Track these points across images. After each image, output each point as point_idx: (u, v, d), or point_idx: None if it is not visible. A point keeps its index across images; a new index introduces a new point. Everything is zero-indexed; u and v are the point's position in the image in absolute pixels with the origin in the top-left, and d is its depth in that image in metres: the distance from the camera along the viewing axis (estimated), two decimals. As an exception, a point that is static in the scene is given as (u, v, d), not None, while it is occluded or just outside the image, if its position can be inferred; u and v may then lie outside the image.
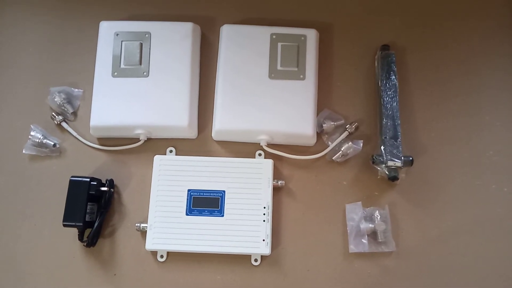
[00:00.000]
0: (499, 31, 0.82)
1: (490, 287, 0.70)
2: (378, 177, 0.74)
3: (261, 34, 0.77)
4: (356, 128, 0.76)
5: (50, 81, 0.80)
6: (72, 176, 0.71)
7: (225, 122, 0.74)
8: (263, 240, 0.69)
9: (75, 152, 0.77)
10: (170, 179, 0.72)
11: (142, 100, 0.74)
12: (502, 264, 0.71)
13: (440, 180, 0.75)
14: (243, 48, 0.76)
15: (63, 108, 0.78)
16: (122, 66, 0.76)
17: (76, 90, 0.80)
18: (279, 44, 0.76)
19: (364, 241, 0.70)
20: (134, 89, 0.75)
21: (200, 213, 0.70)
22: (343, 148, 0.73)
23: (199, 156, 0.74)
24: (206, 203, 0.71)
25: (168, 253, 0.72)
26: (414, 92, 0.79)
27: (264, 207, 0.70)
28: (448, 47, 0.82)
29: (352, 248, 0.70)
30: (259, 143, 0.75)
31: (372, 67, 0.80)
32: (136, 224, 0.71)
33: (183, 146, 0.77)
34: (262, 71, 0.75)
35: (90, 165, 0.76)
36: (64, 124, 0.78)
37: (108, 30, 0.78)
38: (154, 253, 0.72)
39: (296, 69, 0.75)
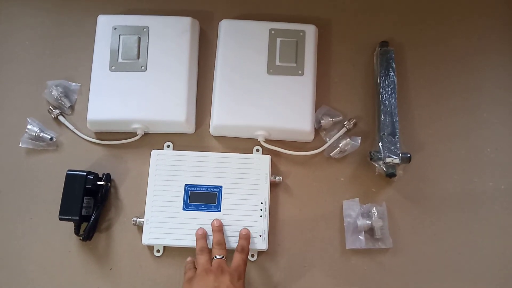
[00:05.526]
0: (498, 28, 0.83)
1: (487, 284, 0.70)
2: (376, 173, 0.74)
3: (260, 30, 0.77)
4: (354, 124, 0.76)
5: (47, 75, 0.80)
6: (68, 170, 0.71)
7: (223, 117, 0.74)
8: (260, 235, 0.69)
9: (72, 146, 0.77)
10: (167, 174, 0.72)
11: (139, 95, 0.74)
12: (499, 261, 0.71)
13: (437, 177, 0.75)
14: (241, 43, 0.76)
15: (60, 101, 0.78)
16: (120, 60, 0.75)
17: (74, 84, 0.79)
18: (278, 40, 0.76)
19: (361, 237, 0.70)
20: (132, 84, 0.74)
21: (197, 208, 0.70)
22: (341, 144, 0.73)
23: (196, 151, 0.73)
24: (203, 198, 0.70)
25: (164, 248, 0.72)
26: (412, 89, 0.79)
27: (261, 203, 0.70)
28: (447, 44, 0.81)
29: (349, 244, 0.70)
30: (257, 139, 0.75)
31: (371, 63, 0.80)
32: (132, 219, 0.71)
33: (180, 141, 0.77)
34: (261, 67, 0.75)
35: (87, 159, 0.76)
36: (61, 118, 0.77)
37: (106, 24, 0.77)
38: (150, 247, 0.72)
39: (294, 64, 0.75)
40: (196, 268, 0.63)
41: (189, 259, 0.66)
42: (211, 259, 0.63)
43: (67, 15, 0.84)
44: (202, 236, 0.67)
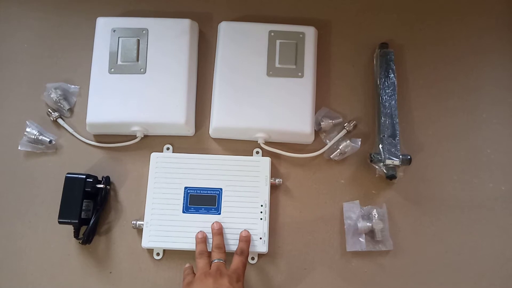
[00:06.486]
0: (497, 28, 0.82)
1: (486, 285, 0.70)
2: (376, 175, 0.74)
3: (259, 31, 0.76)
4: (354, 126, 0.76)
5: (46, 78, 0.80)
6: (68, 173, 0.70)
7: (223, 120, 0.74)
8: (260, 238, 0.69)
9: (71, 148, 0.77)
10: (167, 176, 0.71)
11: (139, 97, 0.73)
12: (499, 262, 0.71)
13: (437, 178, 0.75)
14: (241, 45, 0.76)
15: (59, 104, 0.78)
16: (119, 62, 0.75)
17: (73, 86, 0.79)
18: (278, 42, 0.76)
19: (362, 239, 0.70)
20: (131, 86, 0.74)
21: (197, 211, 0.70)
22: (341, 146, 0.73)
23: (196, 154, 0.73)
24: (203, 201, 0.70)
25: (164, 251, 0.71)
26: (412, 90, 0.79)
27: (262, 205, 0.70)
28: (447, 45, 0.81)
29: (350, 246, 0.70)
30: (257, 141, 0.75)
31: (371, 65, 0.80)
32: (132, 222, 0.71)
33: (180, 144, 0.77)
34: (260, 69, 0.75)
35: (86, 162, 0.75)
36: (60, 121, 0.77)
37: (105, 26, 0.77)
38: (150, 251, 0.71)
39: (294, 66, 0.75)
40: (195, 274, 0.63)
41: (187, 265, 0.66)
42: (210, 262, 0.63)
43: (66, 17, 0.83)
44: (201, 239, 0.67)
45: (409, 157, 0.72)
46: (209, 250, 0.66)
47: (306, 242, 0.72)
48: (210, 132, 0.76)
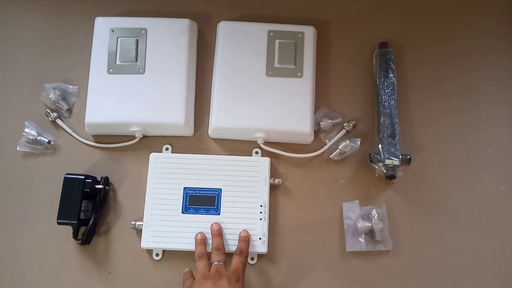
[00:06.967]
0: (498, 28, 0.82)
1: (486, 285, 0.70)
2: (376, 175, 0.73)
3: (259, 31, 0.76)
4: (354, 126, 0.76)
5: (44, 78, 0.79)
6: (66, 174, 0.70)
7: (222, 120, 0.73)
8: (260, 238, 0.68)
9: (69, 149, 0.77)
10: (166, 177, 0.71)
11: (138, 97, 0.73)
12: (499, 262, 0.71)
13: (437, 178, 0.74)
14: (240, 45, 0.76)
15: (58, 104, 0.77)
16: (118, 62, 0.75)
17: (71, 86, 0.79)
18: (277, 41, 0.76)
19: (361, 239, 0.70)
20: (130, 86, 0.74)
21: (196, 211, 0.70)
22: (340, 146, 0.73)
23: (195, 154, 0.73)
24: (202, 201, 0.70)
25: (163, 251, 0.71)
26: (411, 90, 0.79)
27: (261, 205, 0.70)
28: (447, 45, 0.81)
29: (349, 246, 0.70)
30: (256, 141, 0.74)
31: (370, 64, 0.80)
32: (131, 222, 0.71)
33: (179, 144, 0.76)
34: (259, 69, 0.75)
35: (85, 162, 0.75)
36: (58, 121, 0.77)
37: (103, 26, 0.77)
38: (149, 251, 0.71)
39: (293, 66, 0.75)
40: (194, 278, 0.63)
41: (187, 269, 0.66)
42: (209, 264, 0.63)
43: (64, 17, 0.83)
44: (201, 241, 0.66)
45: (408, 157, 0.72)
46: (209, 250, 0.66)
47: (306, 242, 0.72)
48: (209, 132, 0.76)
